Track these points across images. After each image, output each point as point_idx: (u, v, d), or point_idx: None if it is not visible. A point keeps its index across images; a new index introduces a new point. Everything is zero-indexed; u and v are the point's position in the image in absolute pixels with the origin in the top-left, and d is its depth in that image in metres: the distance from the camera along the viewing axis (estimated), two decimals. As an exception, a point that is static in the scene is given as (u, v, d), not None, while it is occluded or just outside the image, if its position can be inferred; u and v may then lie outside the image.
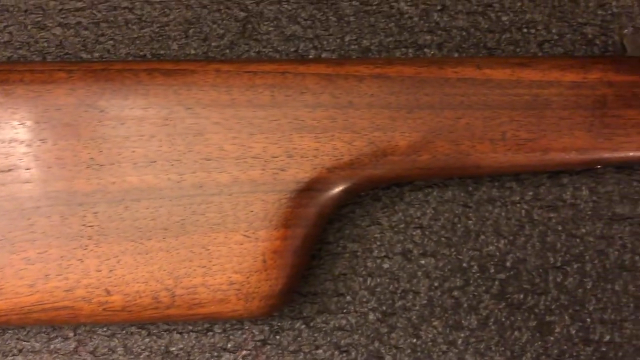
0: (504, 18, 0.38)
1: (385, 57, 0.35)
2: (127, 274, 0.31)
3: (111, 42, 0.38)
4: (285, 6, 0.38)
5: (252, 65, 0.32)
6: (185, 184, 0.31)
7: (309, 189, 0.32)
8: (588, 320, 0.36)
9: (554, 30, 0.37)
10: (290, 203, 0.31)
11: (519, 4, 0.38)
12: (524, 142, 0.32)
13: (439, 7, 0.38)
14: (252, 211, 0.31)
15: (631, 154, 0.33)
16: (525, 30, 0.37)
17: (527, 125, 0.32)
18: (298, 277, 0.33)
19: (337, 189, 0.32)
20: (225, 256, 0.31)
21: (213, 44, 0.38)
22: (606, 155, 0.33)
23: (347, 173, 0.32)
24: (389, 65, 0.32)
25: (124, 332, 0.36)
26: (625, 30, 0.37)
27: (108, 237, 0.31)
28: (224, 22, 0.38)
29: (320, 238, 0.36)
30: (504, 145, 0.32)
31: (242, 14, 0.38)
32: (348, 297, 0.36)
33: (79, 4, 0.38)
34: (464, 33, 0.37)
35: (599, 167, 0.35)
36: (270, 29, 0.38)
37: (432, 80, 0.32)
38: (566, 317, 0.36)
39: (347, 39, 0.38)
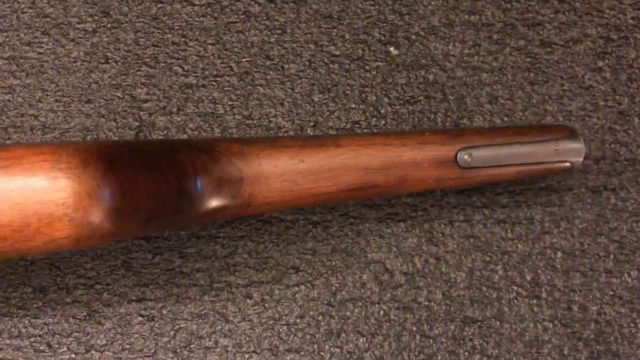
0: (370, 134, 0.42)
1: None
2: None
3: (15, 145, 0.42)
4: (175, 118, 0.42)
5: None
6: None
7: None
8: (439, 417, 0.38)
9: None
10: None
11: (383, 122, 0.42)
12: None
13: (311, 124, 0.42)
14: None
15: None
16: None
17: None
18: None
19: None
20: None
21: (108, 149, 0.41)
22: None
23: None
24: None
25: None
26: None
27: None
28: (119, 130, 0.42)
29: (193, 335, 0.39)
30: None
31: (135, 124, 0.42)
32: (216, 390, 0.39)
33: (-10, 110, 0.42)
34: (334, 147, 0.42)
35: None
36: (161, 137, 0.42)
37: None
38: (419, 414, 0.38)
39: (229, 148, 0.42)
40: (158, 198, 0.31)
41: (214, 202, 0.33)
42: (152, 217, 0.31)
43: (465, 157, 0.35)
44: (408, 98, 0.42)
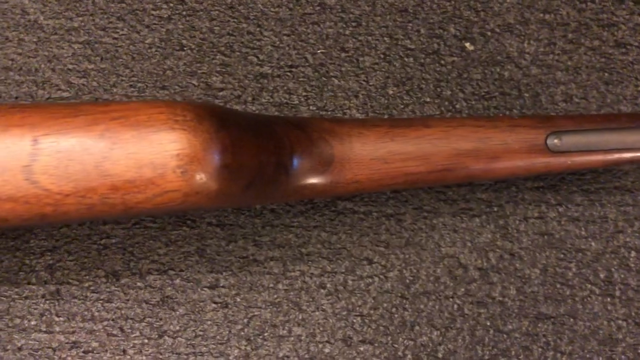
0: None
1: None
2: None
3: (90, 129, 0.42)
4: (250, 107, 0.42)
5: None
6: None
7: None
8: (512, 412, 0.38)
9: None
10: None
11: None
12: None
13: (385, 117, 0.42)
14: None
15: None
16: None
17: None
18: None
19: None
20: None
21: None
22: None
23: None
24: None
25: None
26: None
27: None
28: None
29: (267, 323, 0.39)
30: None
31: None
32: (289, 379, 0.39)
33: (65, 94, 0.42)
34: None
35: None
36: (235, 126, 0.42)
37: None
38: (492, 409, 0.38)
39: (303, 139, 0.42)
40: (259, 164, 0.31)
41: (307, 178, 0.33)
42: (252, 182, 0.31)
43: (555, 141, 0.35)
44: (483, 94, 0.42)
